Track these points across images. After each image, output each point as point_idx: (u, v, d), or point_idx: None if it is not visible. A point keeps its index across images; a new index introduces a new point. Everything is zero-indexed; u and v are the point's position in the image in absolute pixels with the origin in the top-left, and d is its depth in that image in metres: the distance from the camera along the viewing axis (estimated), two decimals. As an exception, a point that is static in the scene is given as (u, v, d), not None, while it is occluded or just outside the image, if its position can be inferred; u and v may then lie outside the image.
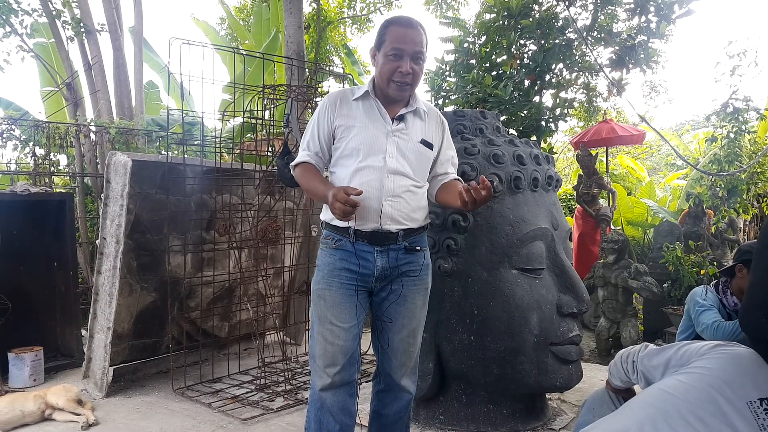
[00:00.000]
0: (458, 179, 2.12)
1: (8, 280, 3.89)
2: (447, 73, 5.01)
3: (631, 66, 4.80)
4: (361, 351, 4.05)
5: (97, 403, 3.42)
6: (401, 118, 2.04)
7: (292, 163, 2.14)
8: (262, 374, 3.75)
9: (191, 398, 3.48)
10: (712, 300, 2.77)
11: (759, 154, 5.78)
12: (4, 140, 5.37)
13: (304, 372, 3.91)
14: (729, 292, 2.79)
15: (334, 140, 2.06)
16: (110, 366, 3.57)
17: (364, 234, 1.99)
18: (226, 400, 3.42)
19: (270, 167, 4.00)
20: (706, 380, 1.37)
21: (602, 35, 4.83)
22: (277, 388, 3.61)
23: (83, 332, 4.16)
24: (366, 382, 3.54)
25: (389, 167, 1.96)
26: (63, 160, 6.17)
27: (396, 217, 1.98)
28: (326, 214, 2.06)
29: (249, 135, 7.01)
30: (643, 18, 4.68)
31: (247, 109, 4.02)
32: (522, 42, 4.87)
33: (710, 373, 1.39)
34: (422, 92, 5.57)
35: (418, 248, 2.07)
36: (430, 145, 2.07)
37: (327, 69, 6.31)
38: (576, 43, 4.71)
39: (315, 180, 2.02)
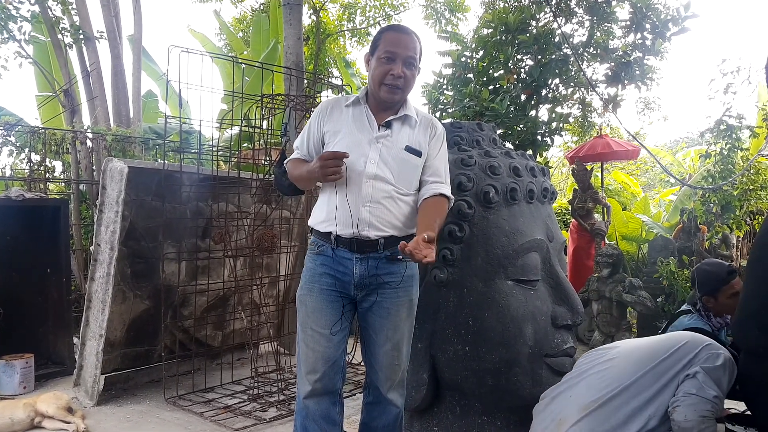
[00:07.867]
0: (444, 196, 2.05)
1: (0, 286, 3.86)
2: (444, 86, 5.05)
3: (626, 82, 4.85)
4: (356, 361, 4.04)
5: (88, 411, 3.38)
6: (388, 125, 2.05)
7: (284, 163, 2.20)
8: (255, 384, 3.72)
9: (183, 408, 3.45)
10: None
11: (744, 168, 5.83)
12: (-1, 146, 5.37)
13: (298, 382, 3.89)
14: (711, 315, 2.93)
15: (323, 146, 2.09)
16: (102, 374, 3.54)
17: (345, 240, 2.00)
18: (218, 410, 3.40)
19: (267, 176, 4.01)
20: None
21: (598, 51, 4.89)
22: (270, 398, 3.59)
23: (75, 340, 4.12)
24: (360, 393, 3.52)
25: (368, 172, 1.97)
26: (58, 166, 6.16)
27: (374, 223, 1.98)
28: (313, 219, 2.09)
29: (246, 144, 7.02)
30: (639, 35, 4.74)
31: (245, 117, 4.03)
32: (519, 57, 4.93)
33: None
34: (420, 105, 5.60)
35: (401, 258, 2.02)
36: (417, 153, 2.04)
37: (325, 80, 6.34)
38: (572, 59, 4.76)
39: (302, 166, 2.07)
